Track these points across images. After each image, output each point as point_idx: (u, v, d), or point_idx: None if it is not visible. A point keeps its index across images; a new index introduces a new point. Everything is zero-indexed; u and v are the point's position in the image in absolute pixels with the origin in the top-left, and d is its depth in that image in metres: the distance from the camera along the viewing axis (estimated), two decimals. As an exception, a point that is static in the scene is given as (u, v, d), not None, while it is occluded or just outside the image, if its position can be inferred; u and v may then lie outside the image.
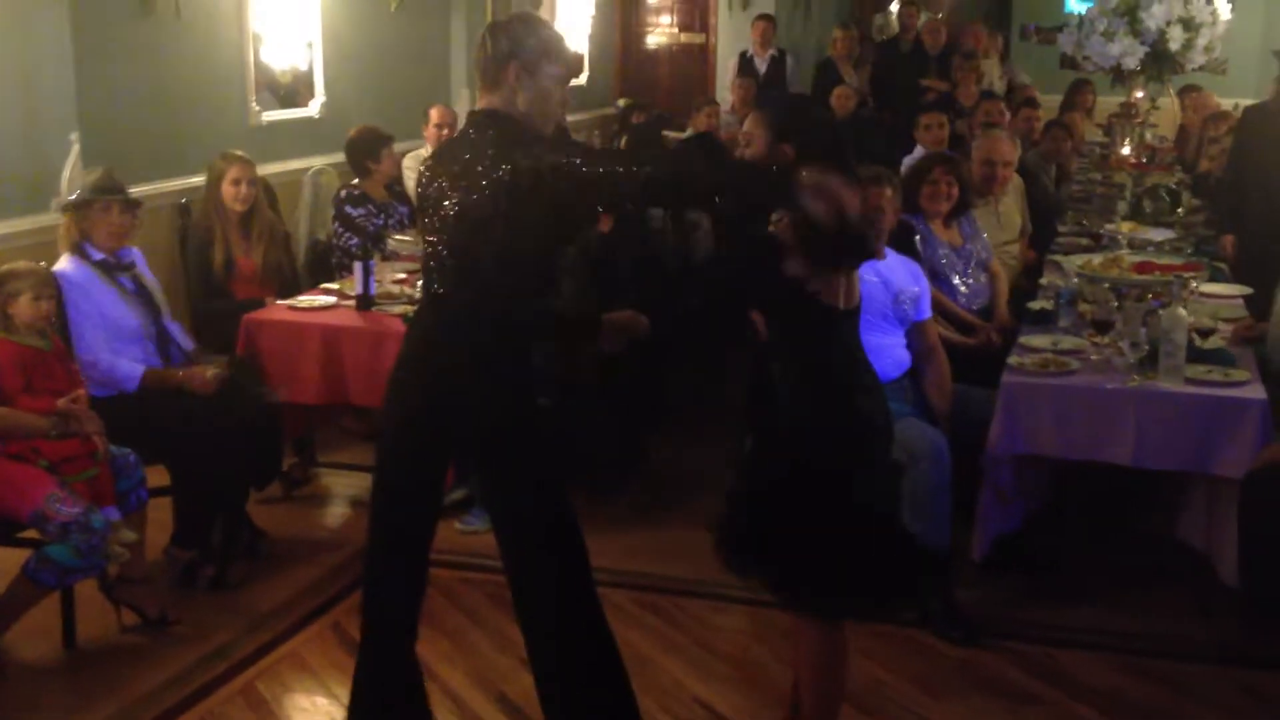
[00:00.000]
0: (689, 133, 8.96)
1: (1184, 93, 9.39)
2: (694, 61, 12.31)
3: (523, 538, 3.35)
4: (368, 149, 6.28)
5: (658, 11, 12.41)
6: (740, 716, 3.85)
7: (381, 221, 6.22)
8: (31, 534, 3.95)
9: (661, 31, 12.40)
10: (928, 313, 4.76)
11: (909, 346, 4.70)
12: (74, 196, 4.61)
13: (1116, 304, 4.72)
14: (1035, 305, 5.30)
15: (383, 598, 3.36)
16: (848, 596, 3.28)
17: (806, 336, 3.34)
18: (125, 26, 5.92)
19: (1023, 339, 4.85)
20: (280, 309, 5.37)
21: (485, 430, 3.28)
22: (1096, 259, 5.17)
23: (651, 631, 4.34)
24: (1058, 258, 6.02)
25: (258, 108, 6.88)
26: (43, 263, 4.44)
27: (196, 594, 4.53)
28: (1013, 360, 4.58)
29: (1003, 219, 6.19)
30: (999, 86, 10.53)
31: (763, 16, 10.87)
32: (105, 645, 4.22)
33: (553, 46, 3.26)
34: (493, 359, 3.23)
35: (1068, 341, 4.76)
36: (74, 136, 5.55)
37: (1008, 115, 8.27)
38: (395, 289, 5.52)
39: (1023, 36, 11.36)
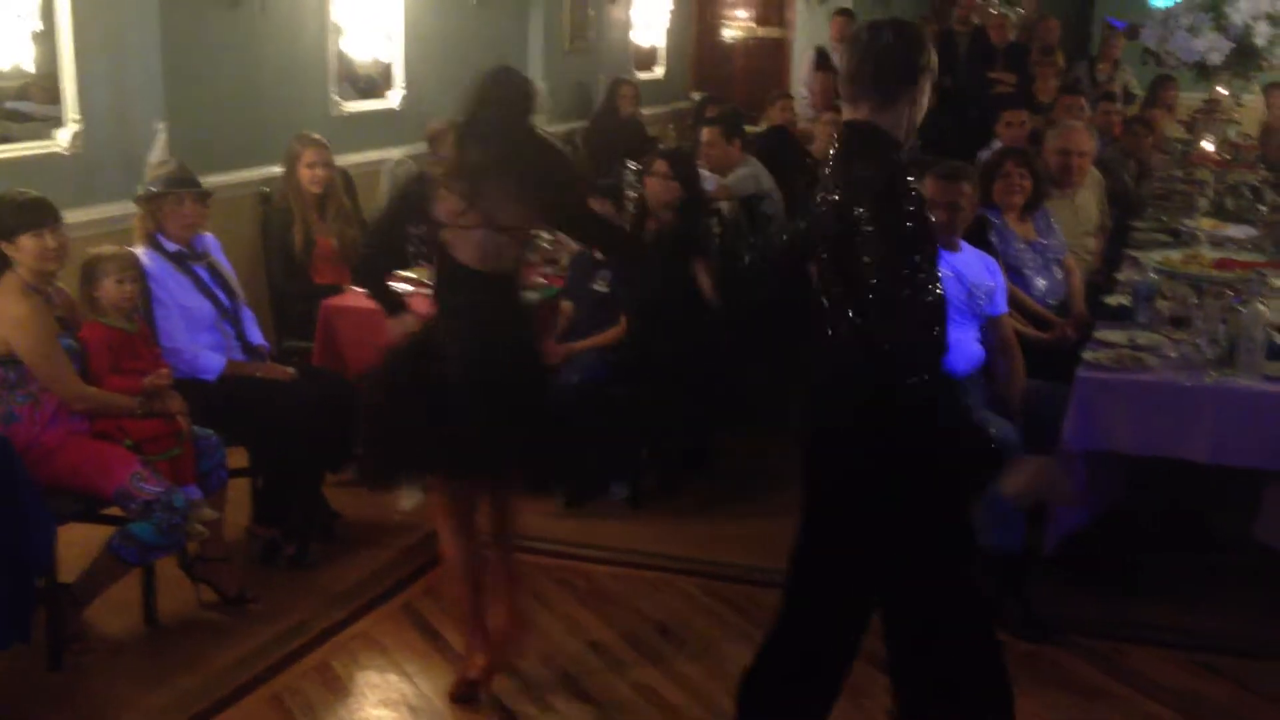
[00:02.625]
0: (763, 127, 8.96)
1: (1270, 90, 9.22)
2: (770, 55, 12.29)
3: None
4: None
5: (734, 5, 12.41)
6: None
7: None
8: (115, 511, 4.04)
9: (738, 25, 12.39)
10: (1003, 307, 4.73)
11: (983, 341, 4.68)
12: (148, 189, 4.71)
13: (1195, 300, 4.66)
14: (1112, 301, 5.24)
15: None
16: None
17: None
18: (211, 18, 6.03)
19: (1099, 334, 4.79)
20: (358, 295, 5.43)
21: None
22: (1176, 255, 5.12)
23: (722, 620, 4.36)
24: (1136, 253, 5.94)
25: (338, 99, 6.99)
26: (127, 247, 4.56)
27: (274, 573, 4.63)
28: (1088, 355, 4.53)
29: (1080, 212, 6.12)
30: (1134, 85, 10.41)
31: (842, 11, 10.82)
32: (184, 621, 4.32)
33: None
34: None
35: (1145, 337, 4.70)
36: (161, 125, 5.67)
37: (1087, 111, 8.16)
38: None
39: (1130, 36, 10.95)
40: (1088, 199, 6.24)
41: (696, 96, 11.00)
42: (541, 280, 5.73)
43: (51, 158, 5.28)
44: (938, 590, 3.00)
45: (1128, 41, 10.78)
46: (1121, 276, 5.64)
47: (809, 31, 11.81)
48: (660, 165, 5.56)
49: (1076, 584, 4.56)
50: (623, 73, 10.10)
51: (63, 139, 5.31)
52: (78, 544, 4.20)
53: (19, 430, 3.96)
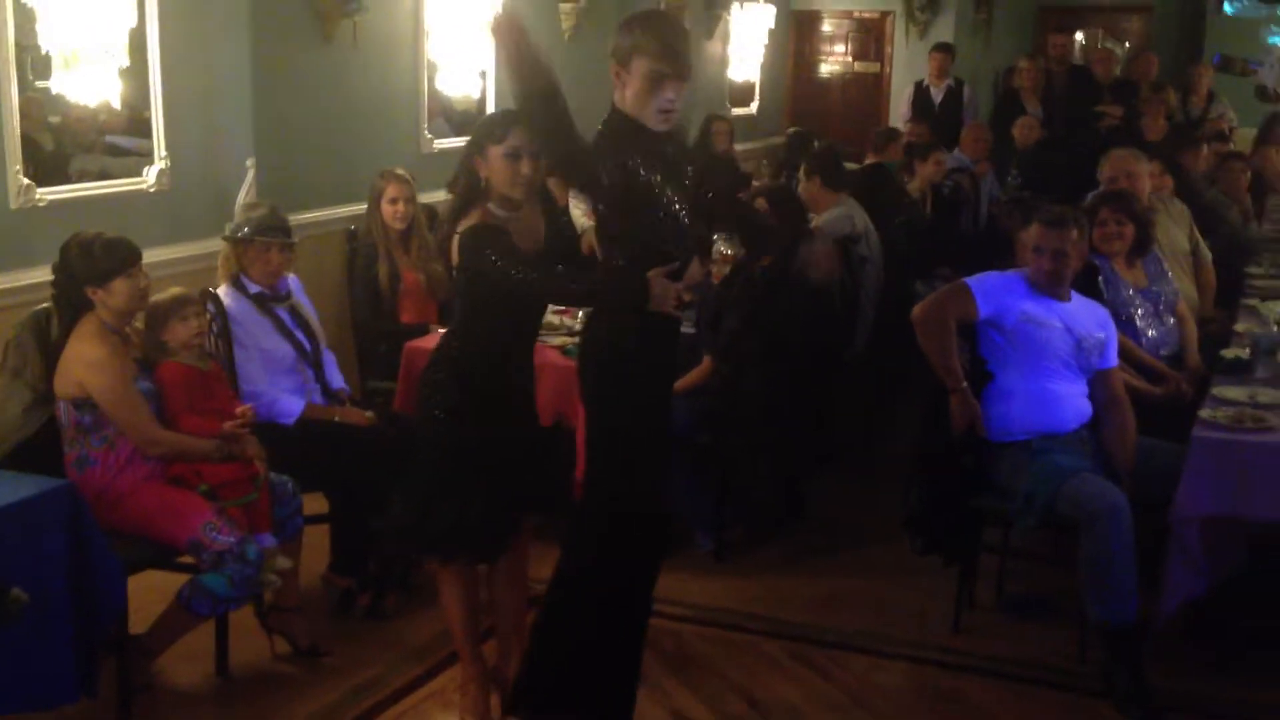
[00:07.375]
0: (868, 162, 8.75)
1: (1395, 127, 8.81)
2: (867, 91, 12.10)
3: None
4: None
5: (832, 40, 12.25)
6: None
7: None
8: (188, 559, 3.95)
9: (835, 60, 12.23)
10: (1113, 361, 4.50)
11: (1091, 396, 4.44)
12: (238, 231, 4.65)
13: (1322, 355, 4.39)
14: (1229, 354, 4.96)
15: None
16: None
17: None
18: (303, 54, 5.98)
19: (1216, 390, 4.53)
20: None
21: None
22: (1299, 305, 4.82)
23: (805, 685, 4.16)
24: (1254, 303, 5.65)
25: (430, 135, 6.92)
26: (208, 287, 4.53)
27: (349, 623, 4.51)
28: (1205, 414, 4.27)
29: (1163, 247, 5.80)
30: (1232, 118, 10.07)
31: (940, 46, 10.61)
32: (257, 673, 4.21)
33: None
34: None
35: (1266, 395, 4.43)
36: (250, 163, 5.62)
37: (1204, 149, 7.83)
38: (555, 319, 5.45)
39: (1225, 69, 10.52)
40: (1166, 225, 5.90)
41: (791, 131, 10.82)
42: None
43: (139, 195, 5.25)
44: None
45: (1218, 74, 10.42)
46: (1240, 328, 5.36)
47: (907, 66, 11.61)
48: (761, 202, 5.40)
49: (1194, 660, 4.29)
50: (718, 109, 9.97)
51: (149, 176, 5.28)
52: (154, 588, 4.09)
53: (93, 475, 3.90)
